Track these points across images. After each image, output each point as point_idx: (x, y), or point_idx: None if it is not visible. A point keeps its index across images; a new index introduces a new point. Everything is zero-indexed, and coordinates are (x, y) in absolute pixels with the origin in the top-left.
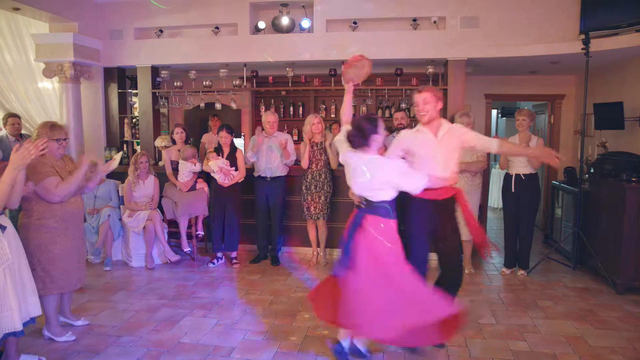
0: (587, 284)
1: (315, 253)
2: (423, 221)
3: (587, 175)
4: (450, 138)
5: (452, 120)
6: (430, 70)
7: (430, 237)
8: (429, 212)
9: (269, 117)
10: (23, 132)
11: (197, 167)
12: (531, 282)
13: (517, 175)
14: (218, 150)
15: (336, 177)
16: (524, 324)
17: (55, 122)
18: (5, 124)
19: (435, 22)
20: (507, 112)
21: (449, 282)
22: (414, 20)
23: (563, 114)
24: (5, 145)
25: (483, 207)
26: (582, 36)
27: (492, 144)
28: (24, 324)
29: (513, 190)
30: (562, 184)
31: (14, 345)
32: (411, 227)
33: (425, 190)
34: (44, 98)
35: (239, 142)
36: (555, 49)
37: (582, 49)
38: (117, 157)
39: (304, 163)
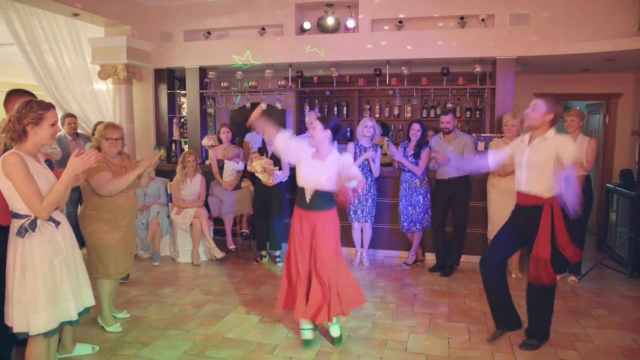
0: None
1: (359, 254)
2: None
3: None
4: None
5: (499, 121)
6: (478, 69)
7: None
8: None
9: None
10: (79, 131)
11: (240, 166)
12: (583, 289)
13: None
14: (262, 150)
15: (380, 179)
16: (575, 333)
17: (110, 123)
18: (62, 124)
19: (483, 20)
20: None
21: None
22: (462, 18)
23: (619, 114)
24: (63, 144)
25: None
26: None
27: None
28: (79, 314)
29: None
30: (617, 187)
31: (70, 335)
32: None
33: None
34: (99, 99)
35: None
36: (613, 45)
37: None
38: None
39: None
